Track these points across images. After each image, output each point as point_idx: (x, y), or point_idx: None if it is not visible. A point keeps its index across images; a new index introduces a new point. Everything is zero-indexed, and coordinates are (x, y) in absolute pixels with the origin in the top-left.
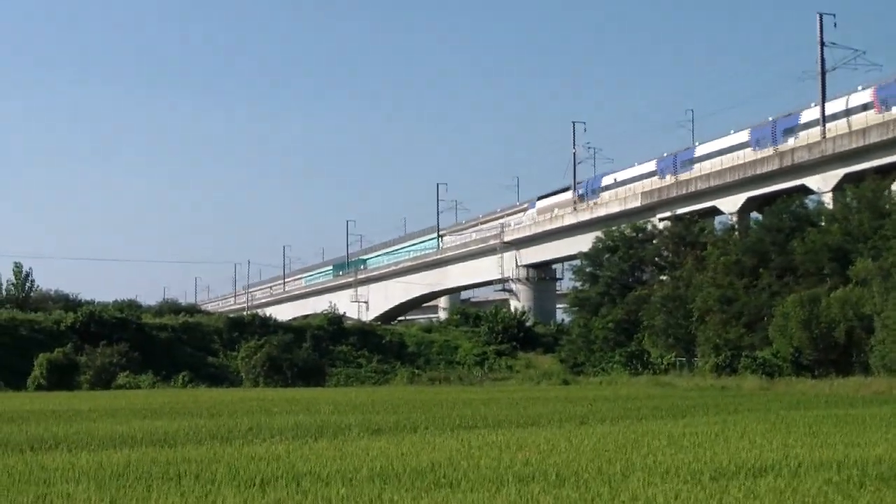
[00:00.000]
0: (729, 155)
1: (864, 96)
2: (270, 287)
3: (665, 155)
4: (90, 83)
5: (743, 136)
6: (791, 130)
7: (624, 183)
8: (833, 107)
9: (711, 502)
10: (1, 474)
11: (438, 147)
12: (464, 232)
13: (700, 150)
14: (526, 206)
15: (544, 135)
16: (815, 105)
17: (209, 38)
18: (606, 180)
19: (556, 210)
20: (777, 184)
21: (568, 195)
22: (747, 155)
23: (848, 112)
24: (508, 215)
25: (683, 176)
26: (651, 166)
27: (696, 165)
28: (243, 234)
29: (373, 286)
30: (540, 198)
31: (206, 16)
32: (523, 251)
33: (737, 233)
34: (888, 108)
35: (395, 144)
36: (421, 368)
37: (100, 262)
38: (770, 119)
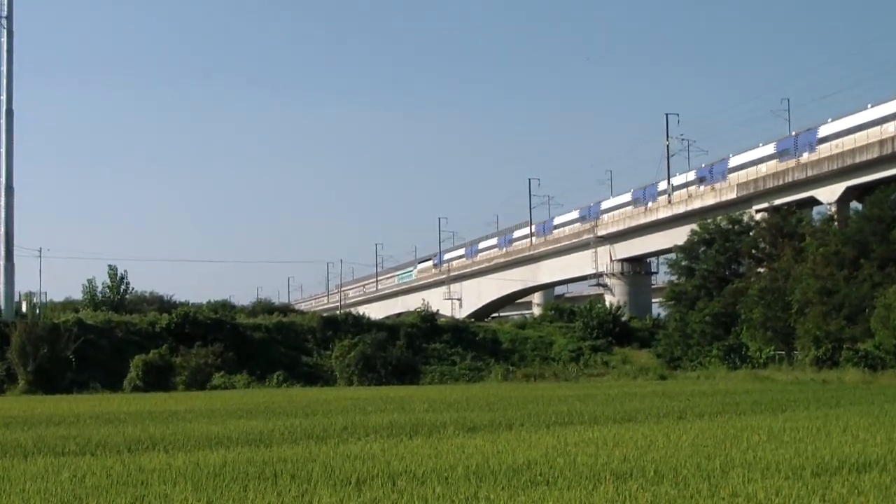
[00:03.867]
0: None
1: None
2: (363, 286)
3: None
4: (180, 85)
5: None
6: None
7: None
8: None
9: (813, 498)
10: (99, 475)
11: (530, 142)
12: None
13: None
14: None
15: (638, 128)
16: None
17: (306, 36)
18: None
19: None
20: (877, 172)
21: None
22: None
23: None
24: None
25: (782, 166)
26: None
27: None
28: (335, 233)
29: (466, 283)
30: (420, 261)
31: (304, 15)
32: (617, 245)
33: (836, 223)
34: None
35: (487, 140)
36: (515, 365)
37: (193, 264)
38: None
